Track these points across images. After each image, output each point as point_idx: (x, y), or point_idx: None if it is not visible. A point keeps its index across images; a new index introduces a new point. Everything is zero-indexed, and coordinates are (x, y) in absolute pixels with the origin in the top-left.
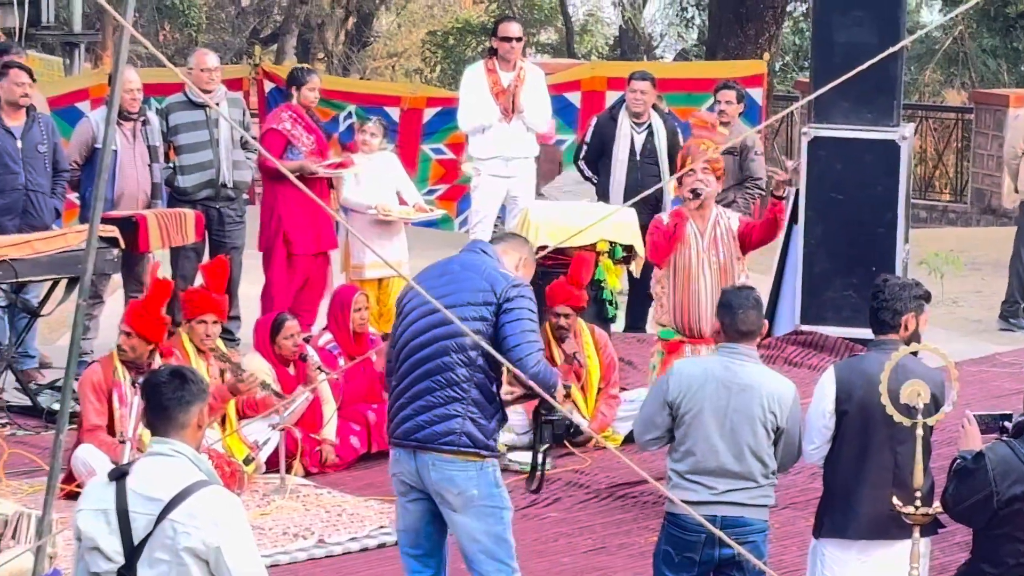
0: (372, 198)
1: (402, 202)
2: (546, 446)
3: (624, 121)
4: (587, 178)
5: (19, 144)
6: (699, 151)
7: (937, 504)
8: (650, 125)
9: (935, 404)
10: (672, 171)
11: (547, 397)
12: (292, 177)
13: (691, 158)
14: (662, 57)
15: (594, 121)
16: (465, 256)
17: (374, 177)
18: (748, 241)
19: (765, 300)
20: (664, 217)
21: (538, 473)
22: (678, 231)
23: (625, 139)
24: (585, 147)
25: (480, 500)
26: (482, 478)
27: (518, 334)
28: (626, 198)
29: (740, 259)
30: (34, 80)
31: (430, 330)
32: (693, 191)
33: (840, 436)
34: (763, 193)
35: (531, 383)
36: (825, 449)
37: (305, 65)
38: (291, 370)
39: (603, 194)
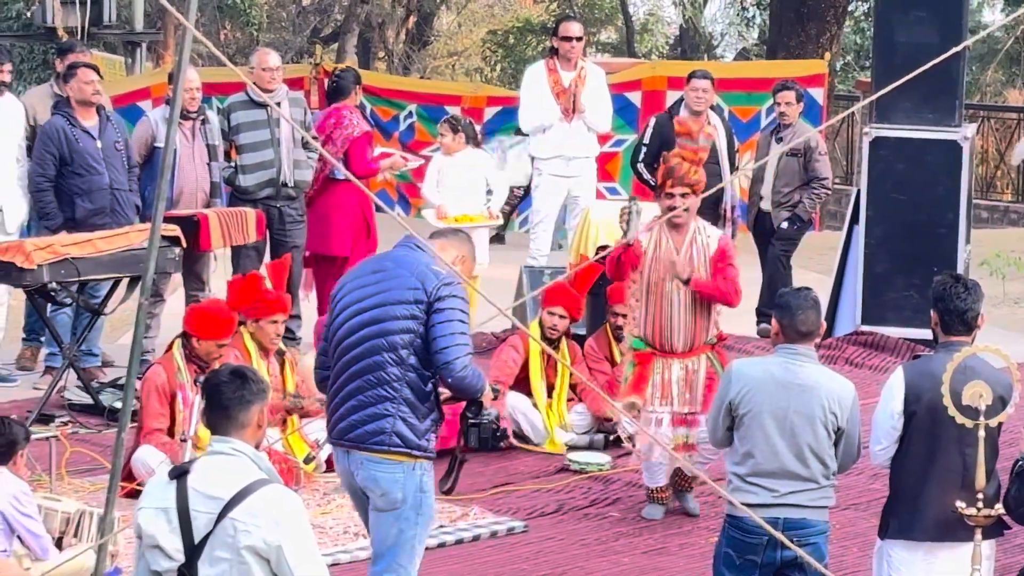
0: (447, 199)
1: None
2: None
3: None
4: (645, 181)
5: (98, 144)
6: (680, 169)
7: (1000, 506)
8: (709, 124)
9: (1001, 405)
10: (732, 170)
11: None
12: (360, 183)
13: (671, 180)
14: (722, 56)
15: (652, 121)
16: (398, 252)
17: (454, 176)
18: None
19: (825, 301)
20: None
21: (454, 474)
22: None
23: None
24: (644, 148)
25: (402, 504)
26: (409, 481)
27: (447, 335)
28: None
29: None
30: (101, 77)
31: (361, 329)
32: (670, 222)
33: (908, 437)
34: (828, 193)
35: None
36: (892, 450)
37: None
38: None
39: None
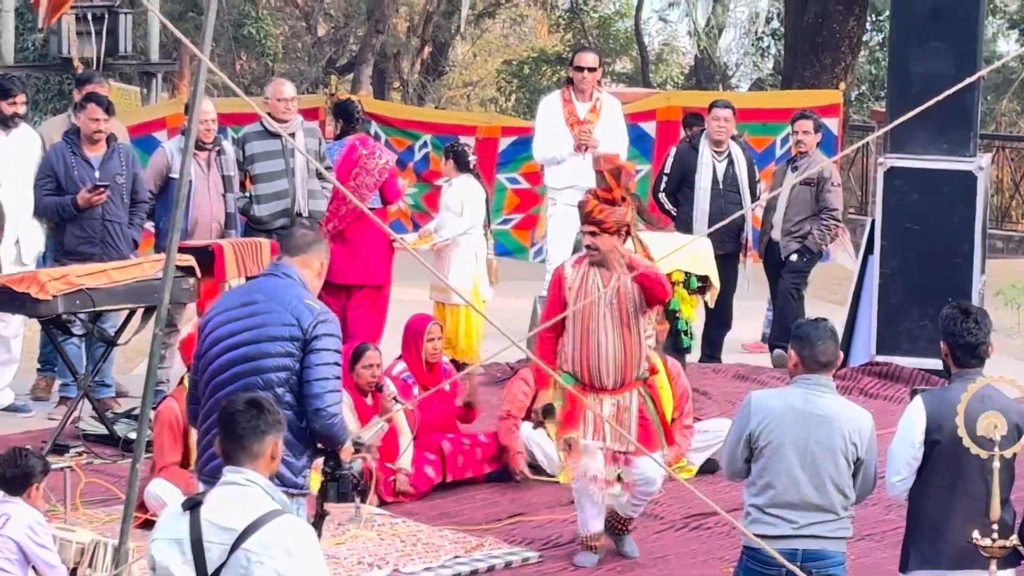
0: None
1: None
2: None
3: (705, 150)
4: (666, 211)
5: (96, 174)
6: (587, 206)
7: (1015, 537)
8: (730, 153)
9: (1016, 435)
10: (753, 199)
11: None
12: (371, 214)
13: (580, 218)
14: (737, 87)
15: (673, 151)
16: (268, 284)
17: (449, 201)
18: (649, 294)
19: (840, 330)
20: (568, 269)
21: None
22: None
23: (707, 168)
24: (665, 178)
25: None
26: None
27: (321, 380)
28: (710, 226)
29: (645, 312)
30: (111, 114)
31: (234, 366)
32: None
33: (930, 467)
34: (839, 224)
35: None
36: (911, 481)
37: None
38: (369, 400)
39: (685, 224)
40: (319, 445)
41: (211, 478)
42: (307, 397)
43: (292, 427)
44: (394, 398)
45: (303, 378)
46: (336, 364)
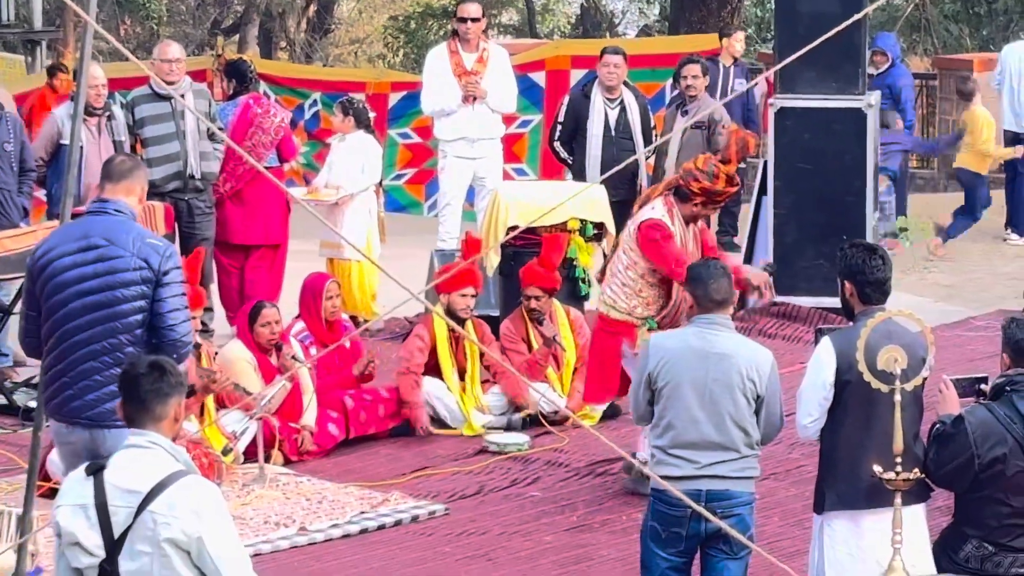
0: (333, 180)
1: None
2: None
3: (597, 97)
4: (563, 160)
5: None
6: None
7: (918, 470)
8: (623, 100)
9: (920, 369)
10: (647, 144)
11: None
12: (267, 173)
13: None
14: (624, 34)
15: (566, 100)
16: (104, 223)
17: (342, 158)
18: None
19: None
20: (663, 220)
21: None
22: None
23: (599, 115)
24: (559, 127)
25: None
26: None
27: (173, 312)
28: (602, 173)
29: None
30: None
31: (88, 313)
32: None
33: (842, 406)
34: None
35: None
36: (822, 422)
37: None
38: (273, 359)
39: (579, 171)
40: None
41: (74, 418)
42: (161, 328)
43: None
44: (293, 357)
45: (155, 310)
46: (183, 294)
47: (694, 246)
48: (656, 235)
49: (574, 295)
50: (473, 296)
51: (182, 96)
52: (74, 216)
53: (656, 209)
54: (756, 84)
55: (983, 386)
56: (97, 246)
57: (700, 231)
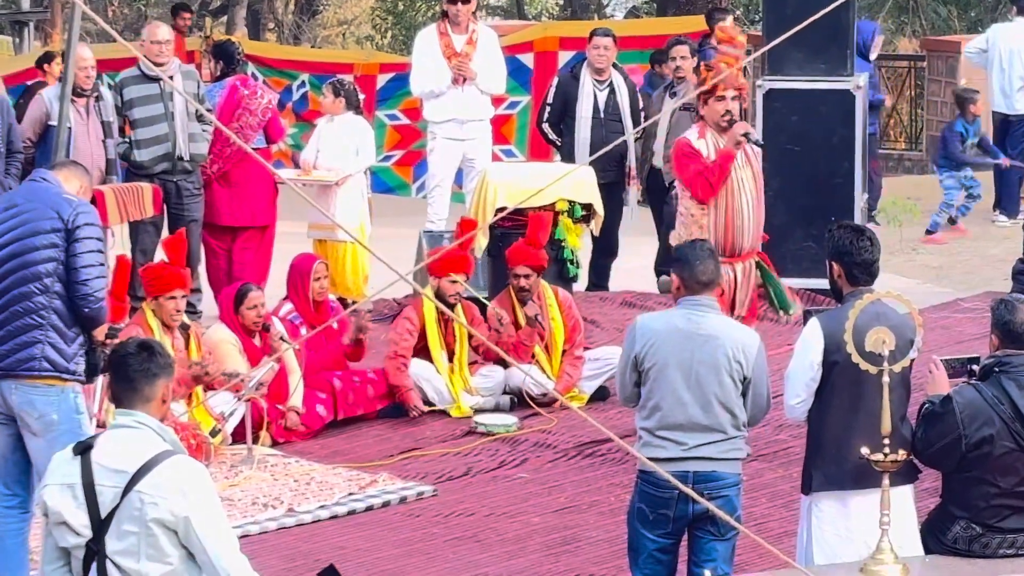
0: (322, 161)
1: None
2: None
3: (586, 79)
4: (551, 141)
5: None
6: (730, 76)
7: (903, 451)
8: (611, 82)
9: (908, 350)
10: (636, 127)
11: None
12: (259, 158)
13: (720, 80)
14: (612, 15)
15: (555, 81)
16: (28, 186)
17: (331, 139)
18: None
19: None
20: (697, 143)
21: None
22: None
23: (588, 97)
24: (548, 108)
25: (60, 425)
26: (63, 403)
27: (87, 267)
28: (591, 155)
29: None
30: None
31: (3, 264)
32: (729, 120)
33: (830, 387)
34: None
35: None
36: (810, 403)
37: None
38: (257, 341)
39: (567, 153)
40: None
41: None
42: (74, 283)
43: (62, 315)
44: (281, 338)
45: (69, 265)
46: (100, 251)
47: (752, 186)
48: (681, 152)
49: (562, 276)
50: (455, 282)
51: (171, 78)
52: None
53: (689, 133)
54: (743, 65)
55: (973, 367)
56: (16, 204)
57: (756, 175)
